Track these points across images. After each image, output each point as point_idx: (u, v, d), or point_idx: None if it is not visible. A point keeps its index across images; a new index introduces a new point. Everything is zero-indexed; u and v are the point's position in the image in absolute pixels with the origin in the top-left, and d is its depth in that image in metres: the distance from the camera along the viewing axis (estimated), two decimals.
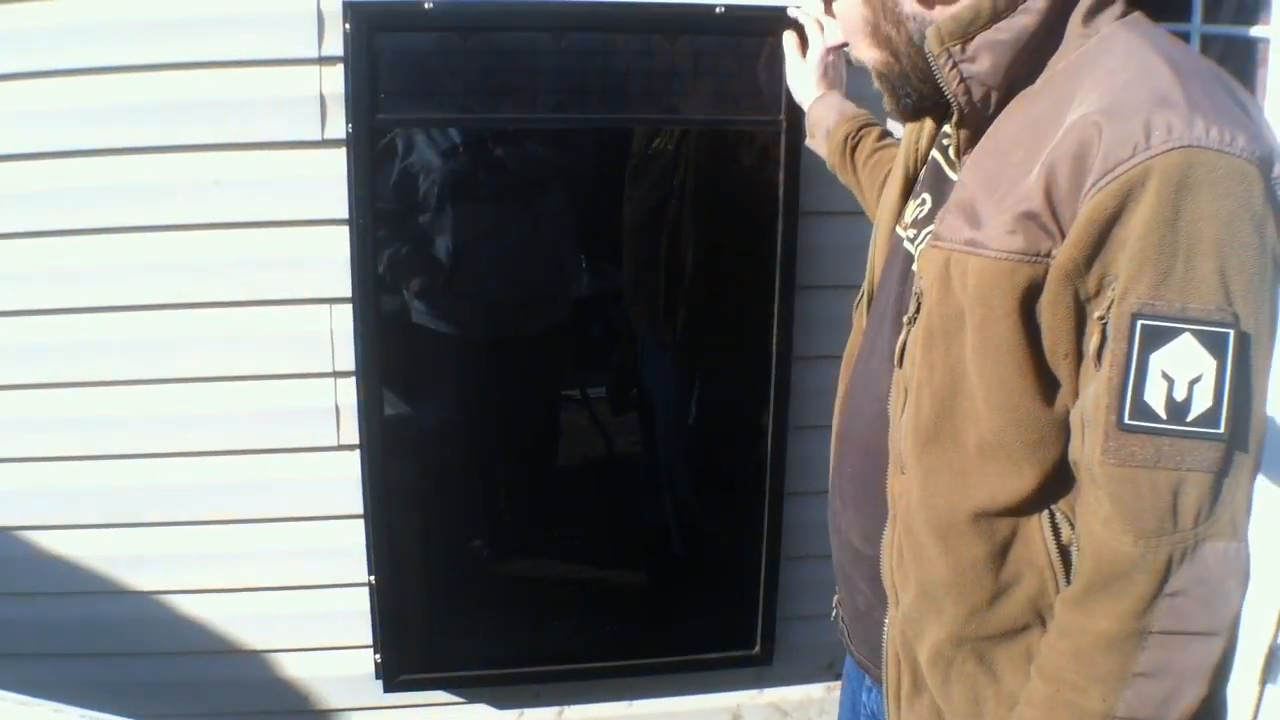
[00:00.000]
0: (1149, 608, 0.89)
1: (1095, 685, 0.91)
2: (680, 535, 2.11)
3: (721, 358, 1.90)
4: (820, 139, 1.67)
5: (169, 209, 1.85)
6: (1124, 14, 1.00)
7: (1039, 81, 1.00)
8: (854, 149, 1.58)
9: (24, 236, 1.85)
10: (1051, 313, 0.93)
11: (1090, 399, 0.91)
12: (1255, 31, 2.28)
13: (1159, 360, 0.87)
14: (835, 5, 1.13)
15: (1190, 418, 0.87)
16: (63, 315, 1.88)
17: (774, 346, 1.91)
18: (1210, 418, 0.87)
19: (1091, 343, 0.91)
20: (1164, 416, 0.87)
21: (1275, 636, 2.36)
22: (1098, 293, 0.90)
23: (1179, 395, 0.87)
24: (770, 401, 1.95)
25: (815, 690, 2.20)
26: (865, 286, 1.29)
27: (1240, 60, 2.33)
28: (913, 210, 1.18)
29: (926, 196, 1.15)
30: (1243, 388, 0.88)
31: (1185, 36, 2.30)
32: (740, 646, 2.08)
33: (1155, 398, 0.87)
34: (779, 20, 1.80)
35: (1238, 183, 0.86)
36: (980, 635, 1.04)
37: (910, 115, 1.15)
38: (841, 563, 1.26)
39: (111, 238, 1.85)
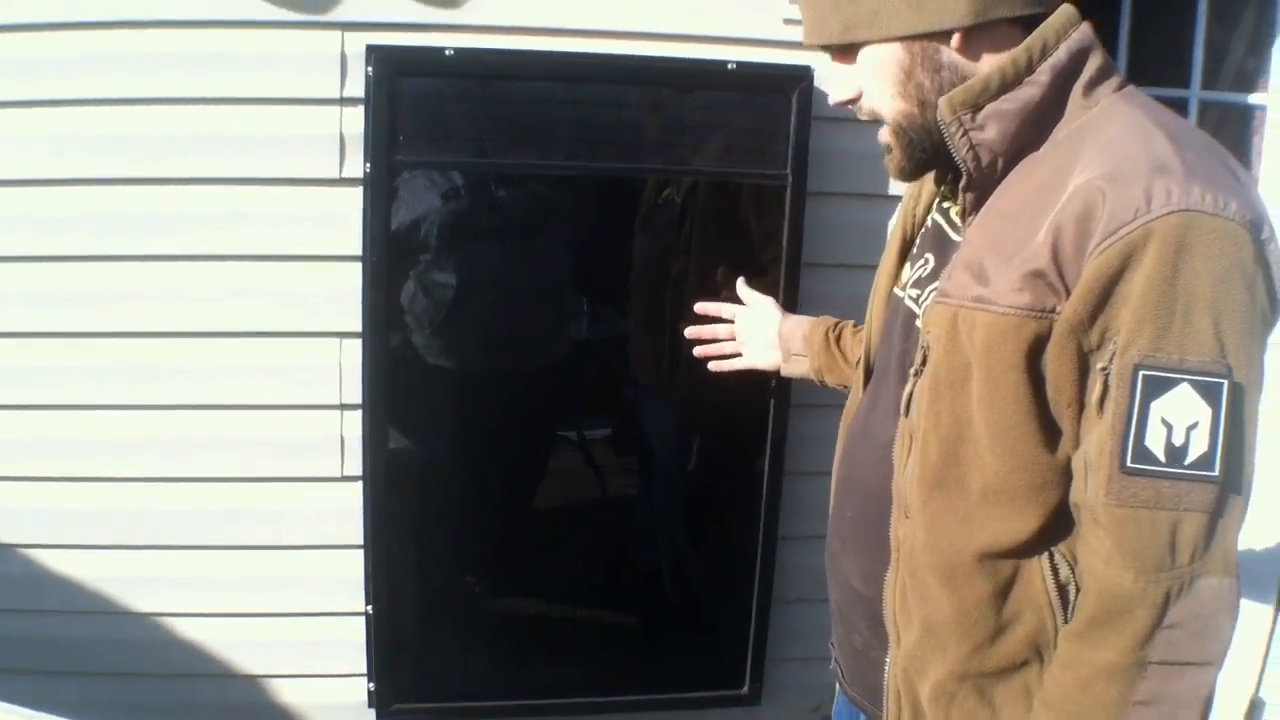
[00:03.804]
0: (1148, 640, 0.95)
1: (1097, 713, 0.97)
2: (673, 576, 2.13)
3: (719, 404, 1.92)
4: (798, 350, 1.66)
5: (188, 239, 1.89)
6: (1120, 86, 1.08)
7: (1043, 148, 1.06)
8: (838, 340, 1.61)
9: (44, 260, 1.88)
10: (1057, 365, 0.99)
11: (1094, 445, 0.96)
12: (1253, 99, 2.34)
13: (1159, 408, 0.93)
14: (867, 52, 1.11)
15: (1188, 461, 0.94)
16: (79, 339, 1.91)
17: (771, 394, 1.95)
18: (1206, 461, 0.94)
19: (1094, 393, 0.97)
20: (1163, 460, 0.94)
21: (1258, 688, 2.40)
22: (1100, 345, 0.96)
23: (1177, 440, 0.93)
24: (767, 447, 1.98)
25: None
26: (864, 349, 1.34)
27: (1237, 126, 2.38)
28: (913, 271, 1.24)
29: (929, 256, 1.20)
30: (1236, 434, 0.94)
31: (1184, 102, 2.35)
32: (729, 686, 2.10)
33: (1155, 443, 0.94)
34: (789, 77, 1.86)
35: (1231, 244, 0.93)
36: (982, 672, 1.09)
37: (914, 173, 1.18)
38: (840, 603, 1.31)
39: (131, 265, 1.89)
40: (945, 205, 1.22)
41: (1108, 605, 0.96)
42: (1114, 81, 1.09)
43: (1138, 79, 2.30)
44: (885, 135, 1.15)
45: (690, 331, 1.77)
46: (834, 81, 1.18)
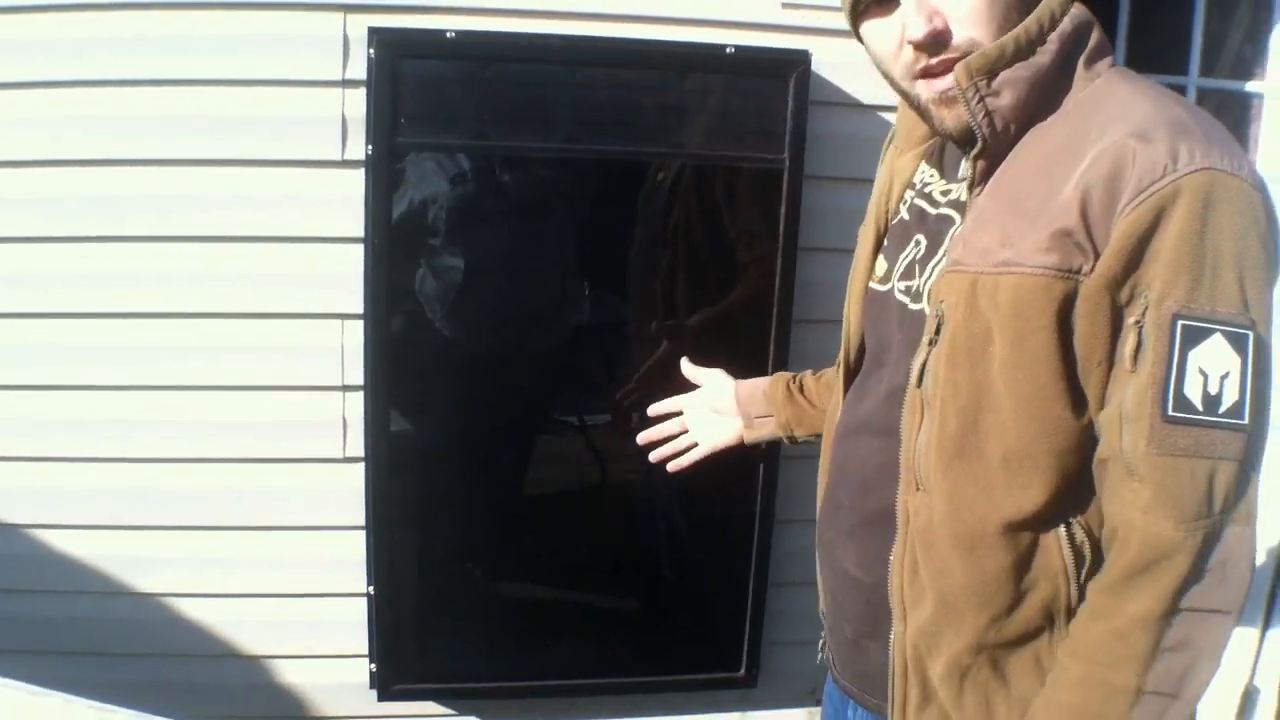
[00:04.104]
0: (1185, 587, 0.96)
1: (1129, 663, 0.98)
2: (671, 559, 2.15)
3: None
4: (761, 412, 1.61)
5: (191, 220, 1.91)
6: (1113, 64, 1.10)
7: (1051, 118, 1.07)
8: (801, 390, 1.58)
9: (46, 241, 1.90)
10: (1090, 321, 0.99)
11: (1132, 396, 0.97)
12: (1250, 86, 2.34)
13: (1196, 357, 0.95)
14: None
15: (1222, 410, 0.95)
16: (82, 319, 1.93)
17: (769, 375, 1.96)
18: (1238, 410, 0.95)
19: (1127, 346, 0.98)
20: (1201, 409, 0.95)
21: (1252, 677, 2.40)
22: (1131, 300, 0.97)
23: (1212, 390, 0.95)
24: None
25: (798, 715, 2.23)
26: (843, 346, 1.34)
27: (1235, 114, 2.39)
28: (897, 262, 1.22)
29: (920, 238, 1.19)
30: (1261, 384, 0.97)
31: (1182, 90, 2.36)
32: (726, 669, 2.12)
33: (1194, 391, 0.95)
34: (787, 62, 1.87)
35: (1248, 203, 0.96)
36: (998, 642, 1.09)
37: (964, 137, 1.10)
38: (834, 593, 1.30)
39: (133, 245, 1.91)
40: (928, 188, 1.22)
41: (1147, 555, 0.98)
42: (1110, 58, 1.10)
43: (1137, 66, 2.31)
44: (958, 79, 1.05)
45: (641, 438, 1.68)
46: (920, 12, 1.05)
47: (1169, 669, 0.97)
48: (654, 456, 1.68)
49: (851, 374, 1.33)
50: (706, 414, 1.65)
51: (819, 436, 1.53)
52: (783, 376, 1.61)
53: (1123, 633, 0.98)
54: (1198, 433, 0.96)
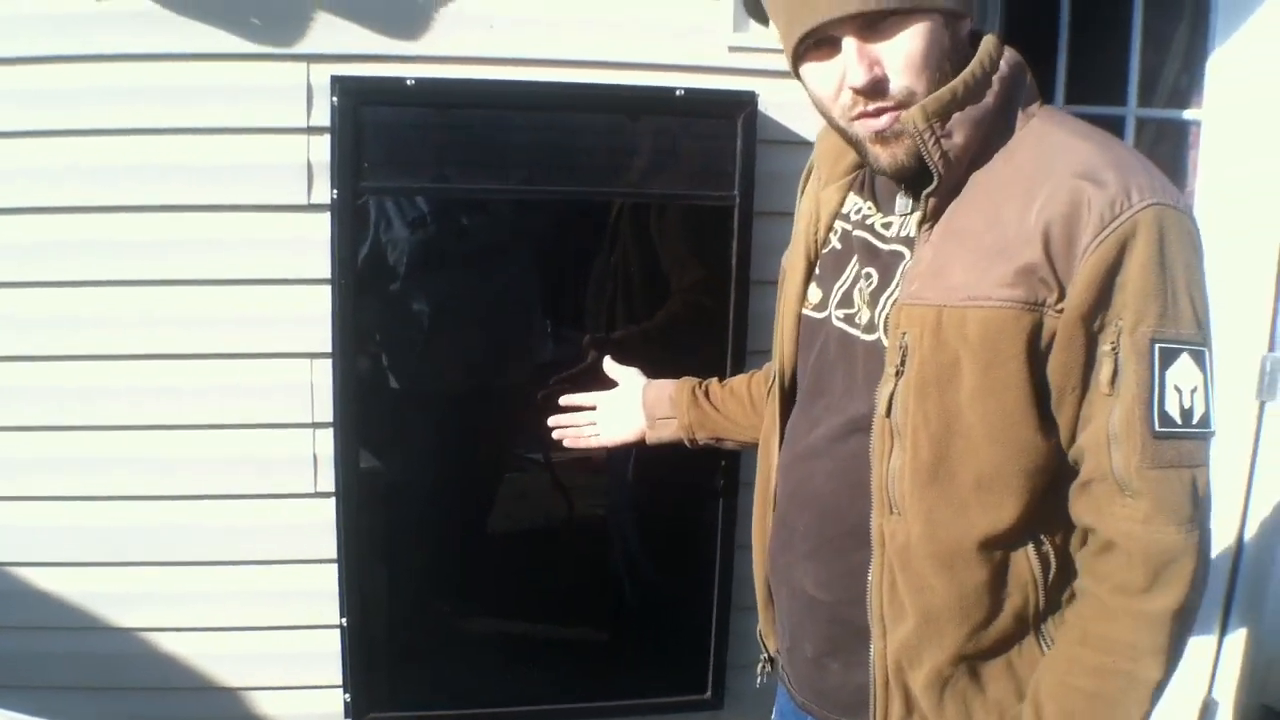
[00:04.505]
0: (1198, 582, 1.06)
1: (1153, 656, 1.06)
2: (636, 586, 2.19)
3: None
4: (664, 414, 1.68)
5: (164, 264, 1.96)
6: (1042, 104, 1.18)
7: (996, 156, 1.14)
8: (706, 396, 1.65)
9: (23, 286, 1.95)
10: (1066, 351, 1.07)
11: (1119, 419, 1.05)
12: (1188, 114, 2.42)
13: (1171, 376, 1.04)
14: (915, 28, 1.09)
15: (1194, 421, 1.05)
16: (58, 361, 1.98)
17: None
18: (1205, 420, 1.06)
19: (1104, 372, 1.05)
20: (1180, 422, 1.05)
21: (1210, 690, 2.45)
22: (1103, 329, 1.05)
23: (1186, 404, 1.04)
24: (722, 458, 2.06)
25: None
26: (777, 370, 1.39)
27: (1174, 142, 2.47)
28: (832, 290, 1.28)
29: (870, 270, 1.23)
30: (1213, 393, 1.06)
31: (1121, 120, 2.44)
32: (693, 691, 2.17)
33: (1173, 407, 1.04)
34: (735, 103, 1.94)
35: (1189, 231, 1.06)
36: (977, 653, 1.17)
37: (911, 165, 1.15)
38: (791, 614, 1.35)
39: (108, 290, 1.96)
40: (869, 220, 1.26)
41: (1157, 560, 1.05)
42: (1039, 98, 1.19)
43: (1077, 99, 2.41)
44: (899, 121, 1.11)
45: (550, 421, 1.78)
46: (861, 62, 1.10)
47: (1175, 659, 1.07)
48: (556, 434, 1.77)
49: (787, 398, 1.38)
50: (615, 410, 1.74)
51: (718, 440, 1.63)
52: (689, 382, 1.68)
53: (1147, 627, 1.06)
54: (1180, 444, 1.05)
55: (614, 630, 2.21)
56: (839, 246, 1.30)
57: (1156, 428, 1.04)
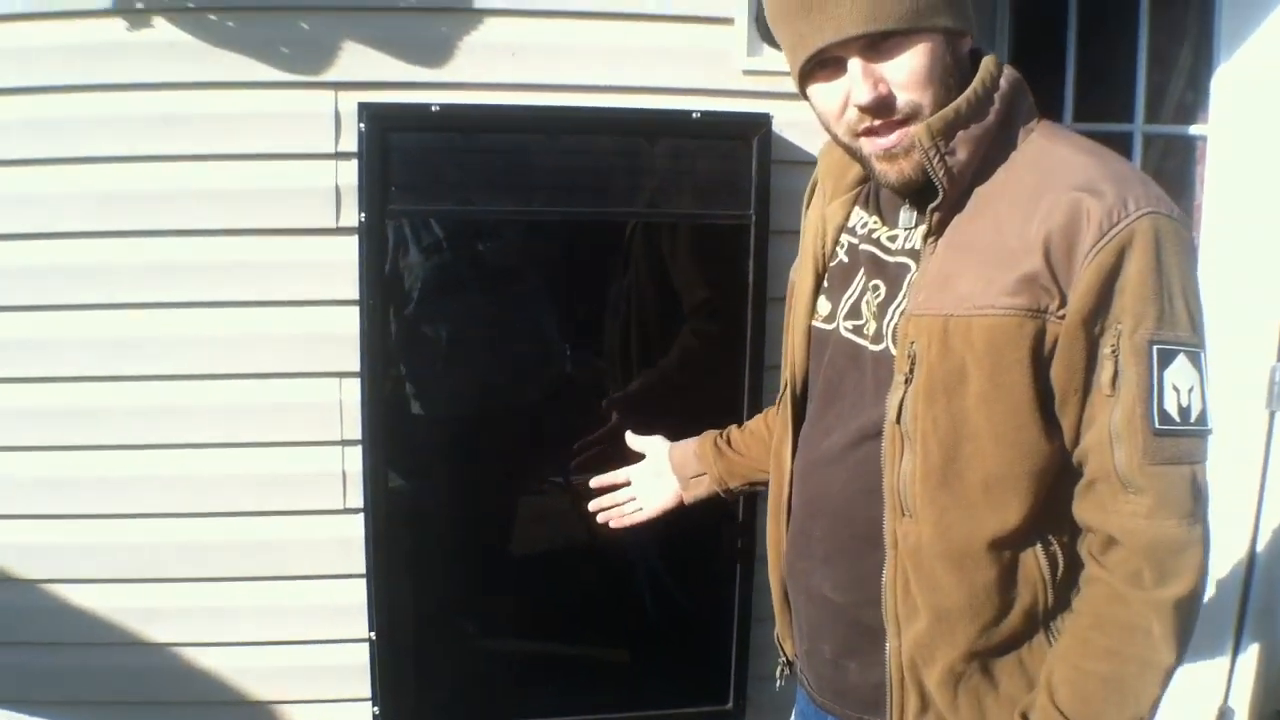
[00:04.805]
0: (1204, 573, 1.11)
1: (1167, 641, 1.11)
2: (659, 600, 2.23)
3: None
4: (694, 472, 1.67)
5: (198, 288, 2.01)
6: (1040, 120, 1.22)
7: (998, 170, 1.18)
8: (729, 443, 1.65)
9: (60, 309, 2.01)
10: (1069, 355, 1.11)
11: (1121, 418, 1.10)
12: (1194, 130, 2.46)
13: (1169, 376, 1.09)
14: (918, 46, 1.13)
15: (1192, 419, 1.10)
16: (96, 382, 2.03)
17: (744, 419, 2.04)
18: (1202, 417, 1.11)
19: (1104, 374, 1.10)
20: (1178, 420, 1.09)
21: (1225, 698, 2.47)
22: (1103, 332, 1.10)
23: (1184, 403, 1.09)
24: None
25: None
26: (788, 380, 1.42)
27: (1180, 157, 2.51)
28: (840, 302, 1.32)
29: (878, 283, 1.27)
30: (1208, 391, 1.11)
31: (1129, 136, 2.48)
32: (715, 702, 2.20)
33: (1171, 406, 1.09)
34: (749, 124, 1.99)
35: (1183, 237, 1.10)
36: (989, 649, 1.20)
37: (918, 179, 1.19)
38: (809, 618, 1.38)
39: (147, 312, 2.02)
40: (874, 234, 1.30)
41: (1161, 553, 1.10)
42: (1038, 114, 1.23)
43: (1085, 116, 2.46)
44: (905, 138, 1.16)
45: (591, 506, 1.74)
46: (865, 80, 1.14)
47: (1184, 645, 1.11)
48: (600, 517, 1.74)
49: (799, 407, 1.42)
50: (648, 481, 1.72)
51: (751, 485, 1.63)
52: (709, 434, 1.68)
53: (1160, 613, 1.10)
54: (1179, 441, 1.09)
55: (637, 643, 2.25)
56: (845, 260, 1.34)
57: (1157, 425, 1.08)
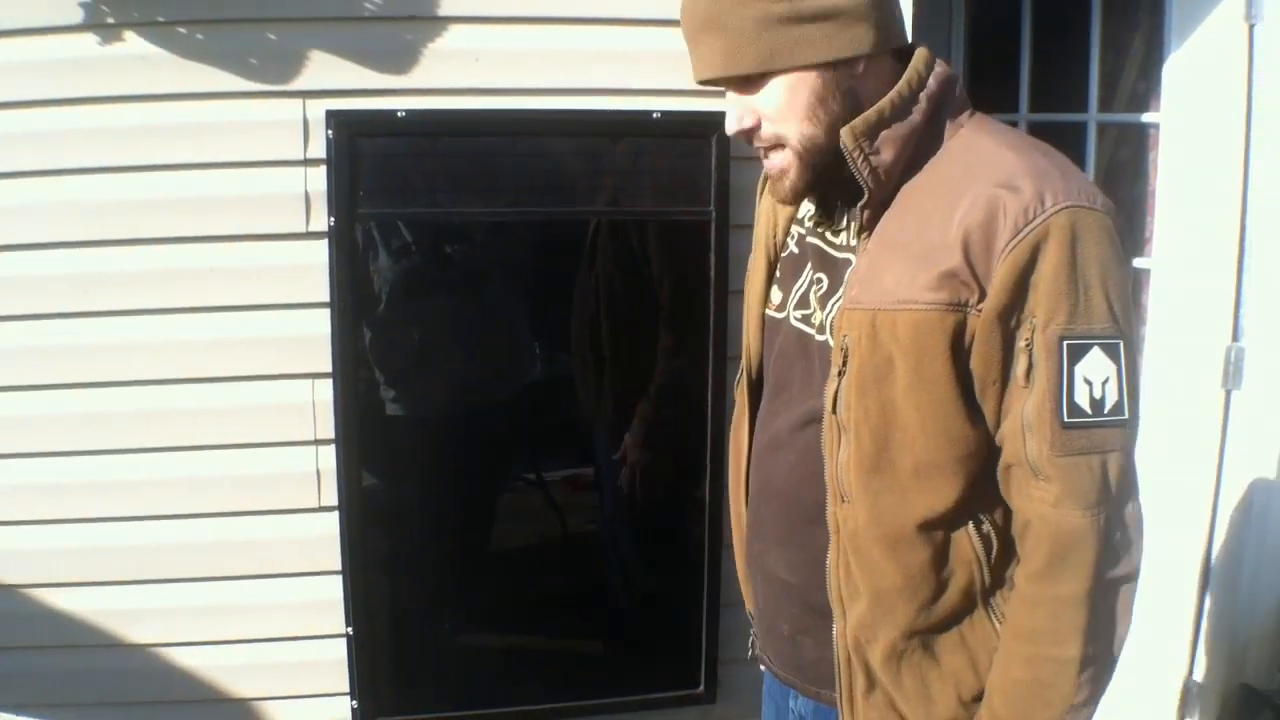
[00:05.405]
0: (1101, 565, 1.13)
1: (1073, 637, 1.14)
2: (630, 588, 2.28)
3: (663, 428, 2.11)
4: None
5: (171, 293, 2.05)
6: (972, 114, 1.26)
7: (926, 167, 1.23)
8: None
9: (39, 319, 2.04)
10: (986, 348, 1.15)
11: (1032, 410, 1.14)
12: (1147, 118, 2.51)
13: (1080, 370, 1.12)
14: (780, 80, 1.19)
15: (1106, 410, 1.13)
16: (72, 389, 2.06)
17: (709, 413, 2.12)
18: (1118, 408, 1.13)
19: (1020, 367, 1.14)
20: (1090, 412, 1.13)
21: (1189, 674, 2.53)
22: (1019, 326, 1.13)
23: (1096, 394, 1.12)
24: (707, 464, 2.15)
25: None
26: (744, 366, 1.49)
27: (1134, 145, 2.56)
28: (792, 293, 1.37)
29: (821, 276, 1.33)
30: (1132, 381, 1.14)
31: (1083, 126, 2.53)
32: (686, 686, 2.26)
33: (1082, 399, 1.12)
34: (708, 123, 2.03)
35: (1105, 230, 1.13)
36: (928, 627, 1.25)
37: (804, 195, 1.29)
38: (767, 597, 1.44)
39: (120, 319, 2.05)
40: (819, 229, 1.36)
41: (1064, 541, 1.14)
42: (970, 109, 1.27)
43: (1039, 106, 2.50)
44: (782, 160, 1.24)
45: None
46: (733, 112, 1.23)
47: (1101, 634, 1.15)
48: None
49: (755, 392, 1.47)
50: None
51: None
52: None
53: (1060, 613, 1.15)
54: (1090, 433, 1.13)
55: (609, 631, 2.30)
56: (796, 251, 1.40)
57: (1065, 419, 1.12)
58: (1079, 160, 2.54)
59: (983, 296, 1.14)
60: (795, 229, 1.41)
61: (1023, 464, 1.16)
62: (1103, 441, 1.13)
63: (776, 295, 1.41)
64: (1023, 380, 1.14)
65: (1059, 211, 1.11)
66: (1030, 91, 2.50)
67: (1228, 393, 2.42)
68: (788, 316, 1.38)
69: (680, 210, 2.08)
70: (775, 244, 1.43)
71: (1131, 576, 1.17)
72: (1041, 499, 1.15)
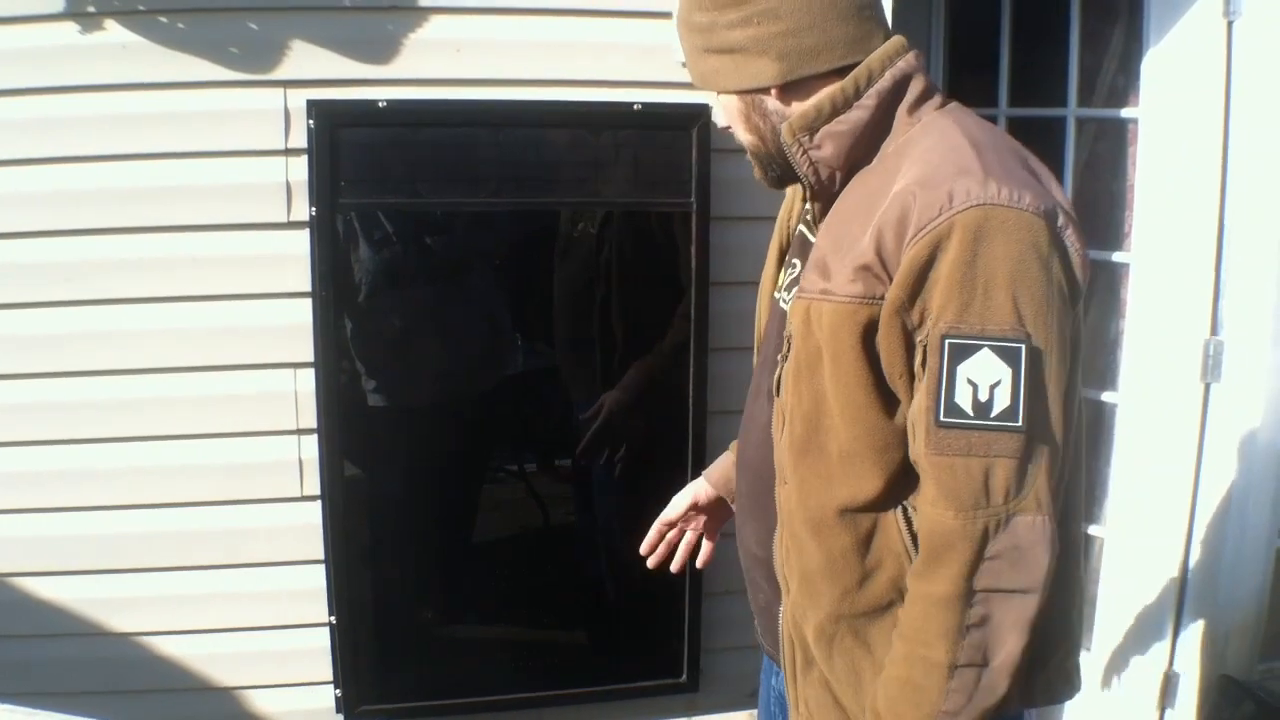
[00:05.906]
0: (973, 570, 1.10)
1: (940, 640, 1.12)
2: (613, 578, 2.29)
3: (644, 419, 2.12)
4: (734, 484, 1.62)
5: (153, 282, 2.06)
6: (943, 104, 1.26)
7: (874, 161, 1.24)
8: None
9: (25, 307, 2.05)
10: (887, 341, 1.15)
11: (916, 406, 1.14)
12: (1126, 113, 2.52)
13: (964, 370, 1.09)
14: (720, 97, 1.32)
15: (993, 414, 1.09)
16: (52, 378, 2.07)
17: (690, 402, 2.13)
18: (1010, 414, 1.09)
19: (918, 362, 1.13)
20: (971, 414, 1.10)
21: (1170, 663, 2.55)
22: (920, 323, 1.13)
23: (982, 397, 1.09)
24: (688, 455, 2.16)
25: (739, 717, 2.38)
26: (756, 346, 1.53)
27: (1113, 140, 2.57)
28: (786, 276, 1.41)
29: (796, 261, 1.37)
30: (1038, 390, 1.10)
31: (1062, 120, 2.55)
32: (670, 675, 2.27)
33: (963, 399, 1.10)
34: (689, 115, 2.06)
35: (1025, 230, 1.10)
36: (853, 613, 1.25)
37: (776, 185, 1.37)
38: (748, 568, 1.47)
39: (102, 308, 2.06)
40: (808, 216, 1.39)
41: (936, 542, 1.13)
42: (936, 100, 1.27)
43: (1018, 102, 2.51)
44: (749, 156, 1.34)
45: (651, 563, 1.70)
46: (718, 112, 1.37)
47: (975, 643, 1.11)
48: (674, 567, 1.70)
49: None
50: (695, 515, 1.68)
51: None
52: (731, 447, 1.67)
53: (930, 614, 1.13)
54: (969, 435, 1.10)
55: (593, 621, 2.31)
56: (798, 236, 1.44)
57: (940, 418, 1.10)
58: (1057, 155, 2.56)
59: None
60: (799, 219, 1.45)
61: (914, 459, 1.17)
62: (985, 445, 1.09)
63: (782, 277, 1.45)
64: (920, 375, 1.14)
65: (966, 210, 1.09)
66: (1009, 86, 2.51)
67: (1207, 386, 2.43)
68: (780, 299, 1.42)
69: (661, 201, 2.10)
70: (788, 230, 1.47)
71: (1027, 590, 1.10)
72: (924, 496, 1.15)
